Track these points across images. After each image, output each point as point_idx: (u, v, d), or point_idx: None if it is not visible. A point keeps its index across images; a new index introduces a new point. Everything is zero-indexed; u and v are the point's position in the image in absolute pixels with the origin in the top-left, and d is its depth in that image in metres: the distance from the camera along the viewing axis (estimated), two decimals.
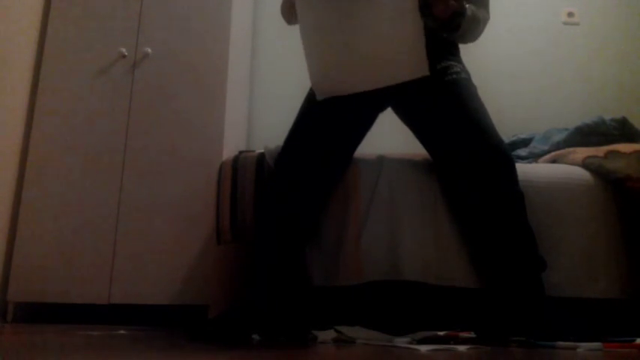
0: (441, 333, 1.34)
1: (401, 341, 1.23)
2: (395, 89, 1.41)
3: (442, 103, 1.46)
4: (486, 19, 1.56)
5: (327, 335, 1.32)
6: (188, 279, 1.99)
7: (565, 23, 2.84)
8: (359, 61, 1.35)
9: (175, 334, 1.46)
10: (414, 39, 1.29)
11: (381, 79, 1.36)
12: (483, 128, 1.44)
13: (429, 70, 1.31)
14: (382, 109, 1.61)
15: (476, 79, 1.63)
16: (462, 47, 1.64)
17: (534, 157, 2.00)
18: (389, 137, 2.04)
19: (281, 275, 1.41)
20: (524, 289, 1.38)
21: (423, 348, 1.13)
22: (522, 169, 1.60)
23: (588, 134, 1.89)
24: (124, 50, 2.18)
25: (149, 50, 2.18)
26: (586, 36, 2.82)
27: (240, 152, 1.78)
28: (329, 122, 1.49)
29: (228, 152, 2.11)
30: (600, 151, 1.64)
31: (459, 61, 1.59)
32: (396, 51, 1.32)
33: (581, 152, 1.69)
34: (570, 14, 2.85)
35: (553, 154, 1.84)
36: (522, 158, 2.04)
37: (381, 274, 1.46)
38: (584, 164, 1.63)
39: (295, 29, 1.62)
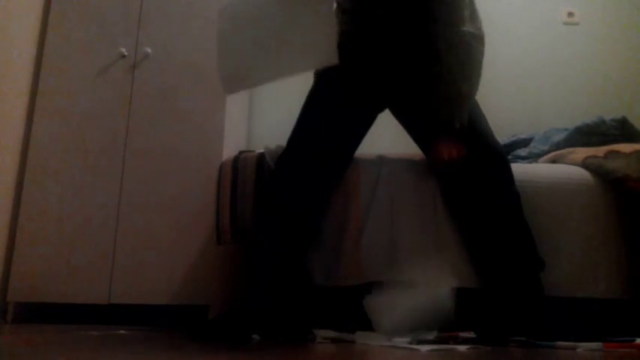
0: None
1: (401, 341, 1.23)
2: (392, 90, 1.42)
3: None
4: (476, 48, 1.46)
5: (326, 335, 1.32)
6: (188, 279, 1.99)
7: (565, 23, 2.84)
8: (270, 54, 1.38)
9: (175, 334, 1.46)
10: (324, 29, 1.34)
11: (292, 69, 1.39)
12: (478, 129, 1.44)
13: (337, 59, 1.33)
14: (381, 109, 1.61)
15: None
16: None
17: (534, 157, 2.00)
18: (389, 137, 2.03)
19: (281, 275, 1.41)
20: (523, 289, 1.38)
21: (423, 348, 1.13)
22: (522, 169, 1.60)
23: (588, 134, 1.89)
24: (124, 50, 2.18)
25: (149, 50, 2.18)
26: (586, 36, 2.82)
27: (240, 152, 1.78)
28: (329, 123, 1.49)
29: (228, 152, 2.11)
30: (600, 151, 1.64)
31: None
32: (308, 41, 1.36)
33: (581, 152, 1.69)
34: (570, 14, 2.84)
35: (553, 154, 1.84)
36: (522, 158, 2.04)
37: (381, 274, 1.46)
38: (584, 164, 1.63)
39: None
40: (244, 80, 1.42)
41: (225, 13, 1.43)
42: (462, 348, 1.15)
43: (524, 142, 2.17)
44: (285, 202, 1.45)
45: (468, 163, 1.42)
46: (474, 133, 1.44)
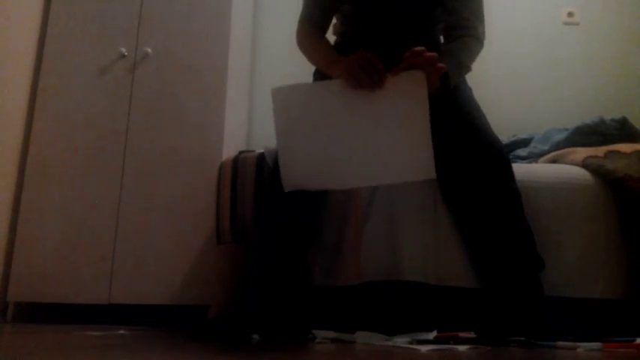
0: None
1: (401, 341, 1.23)
2: None
3: (437, 106, 1.47)
4: (475, 47, 1.52)
5: (326, 335, 1.32)
6: (188, 279, 1.99)
7: (565, 23, 2.84)
8: (343, 161, 1.31)
9: (175, 334, 1.46)
10: (422, 143, 1.26)
11: (381, 178, 1.33)
12: (478, 127, 1.44)
13: (435, 174, 1.28)
14: None
15: (476, 79, 1.63)
16: None
17: (534, 157, 2.00)
18: None
19: (281, 275, 1.41)
20: (523, 289, 1.37)
21: (423, 348, 1.13)
22: (522, 169, 1.60)
23: (588, 134, 1.88)
24: (124, 50, 2.18)
25: (149, 50, 2.18)
26: (586, 36, 2.82)
27: (240, 152, 1.78)
28: None
29: (228, 152, 2.11)
30: (600, 151, 1.64)
31: None
32: (402, 152, 1.29)
33: (581, 152, 1.69)
34: (570, 14, 2.85)
35: (553, 154, 1.84)
36: (522, 158, 2.04)
37: (381, 274, 1.46)
38: (584, 164, 1.63)
39: (295, 25, 1.62)
40: (308, 181, 1.32)
41: (282, 101, 1.34)
42: (462, 348, 1.15)
43: (524, 142, 2.17)
44: (284, 202, 1.44)
45: (468, 161, 1.42)
46: (473, 130, 1.44)
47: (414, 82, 1.28)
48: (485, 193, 1.42)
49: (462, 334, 1.32)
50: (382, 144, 1.29)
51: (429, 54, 1.30)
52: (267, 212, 1.47)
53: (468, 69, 1.50)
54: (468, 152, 1.42)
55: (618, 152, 1.60)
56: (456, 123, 1.44)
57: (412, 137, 1.28)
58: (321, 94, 1.35)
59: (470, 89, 1.58)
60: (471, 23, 1.51)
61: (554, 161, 1.78)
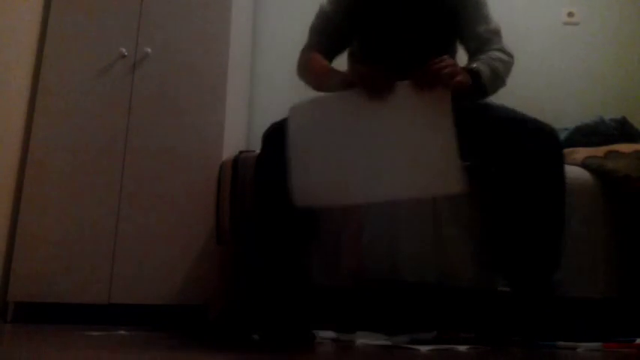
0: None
1: (401, 341, 1.23)
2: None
3: (477, 109, 1.41)
4: (506, 59, 1.46)
5: (326, 335, 1.32)
6: (188, 279, 1.99)
7: (565, 23, 2.84)
8: (379, 171, 1.22)
9: (175, 334, 1.46)
10: (449, 154, 1.19)
11: (406, 191, 1.24)
12: (520, 114, 1.38)
13: (465, 188, 1.19)
14: None
15: None
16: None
17: None
18: None
19: (281, 275, 1.41)
20: (536, 289, 1.33)
21: (423, 348, 1.13)
22: None
23: (588, 134, 1.89)
24: (124, 50, 2.18)
25: (149, 50, 2.18)
26: (586, 36, 2.82)
27: (240, 152, 1.78)
28: None
29: (228, 152, 2.11)
30: (600, 151, 1.65)
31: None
32: (428, 164, 1.21)
33: (581, 152, 1.69)
34: (570, 14, 2.84)
35: None
36: None
37: (381, 274, 1.46)
38: (584, 164, 1.63)
39: (296, 25, 1.62)
40: (324, 197, 1.24)
41: (299, 117, 1.27)
42: (462, 348, 1.15)
43: None
44: (284, 202, 1.43)
45: (519, 149, 1.32)
46: (520, 118, 1.36)
47: (438, 95, 1.22)
48: (536, 184, 1.31)
49: (462, 334, 1.32)
50: (404, 157, 1.22)
51: (448, 68, 1.24)
52: (266, 212, 1.47)
53: (502, 81, 1.42)
54: (518, 140, 1.32)
55: (618, 152, 1.60)
56: (506, 118, 1.38)
57: (437, 150, 1.21)
58: (339, 104, 1.29)
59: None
60: (493, 42, 1.47)
61: None
